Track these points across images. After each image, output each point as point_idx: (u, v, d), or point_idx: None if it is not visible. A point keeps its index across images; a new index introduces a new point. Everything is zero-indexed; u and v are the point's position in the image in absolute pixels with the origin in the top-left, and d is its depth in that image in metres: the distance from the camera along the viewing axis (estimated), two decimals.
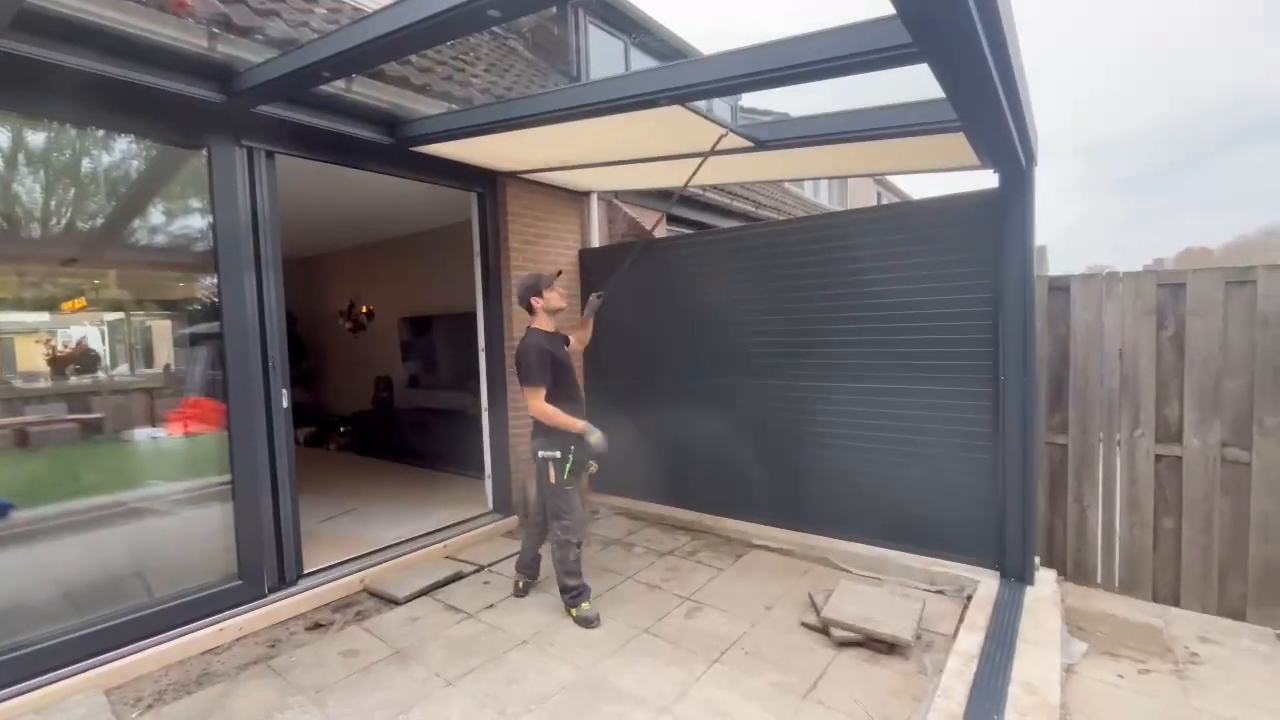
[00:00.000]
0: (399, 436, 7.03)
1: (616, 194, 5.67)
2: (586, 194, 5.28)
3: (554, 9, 6.68)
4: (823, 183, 13.41)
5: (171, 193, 3.37)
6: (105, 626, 2.87)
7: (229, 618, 3.14)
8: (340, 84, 3.30)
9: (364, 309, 8.16)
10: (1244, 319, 3.09)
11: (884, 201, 15.12)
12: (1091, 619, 3.17)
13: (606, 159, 4.03)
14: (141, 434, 3.97)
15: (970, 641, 2.77)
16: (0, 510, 3.46)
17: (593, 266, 5.26)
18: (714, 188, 6.47)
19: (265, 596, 3.32)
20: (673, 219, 6.54)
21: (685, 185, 4.28)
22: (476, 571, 3.85)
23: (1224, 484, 3.17)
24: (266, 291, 3.36)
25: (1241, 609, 3.14)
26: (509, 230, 4.66)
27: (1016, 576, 3.32)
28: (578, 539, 3.20)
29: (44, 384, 6.01)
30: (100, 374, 5.43)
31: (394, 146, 3.74)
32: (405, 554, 3.99)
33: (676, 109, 2.78)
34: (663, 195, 6.20)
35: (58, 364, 7.56)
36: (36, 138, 3.01)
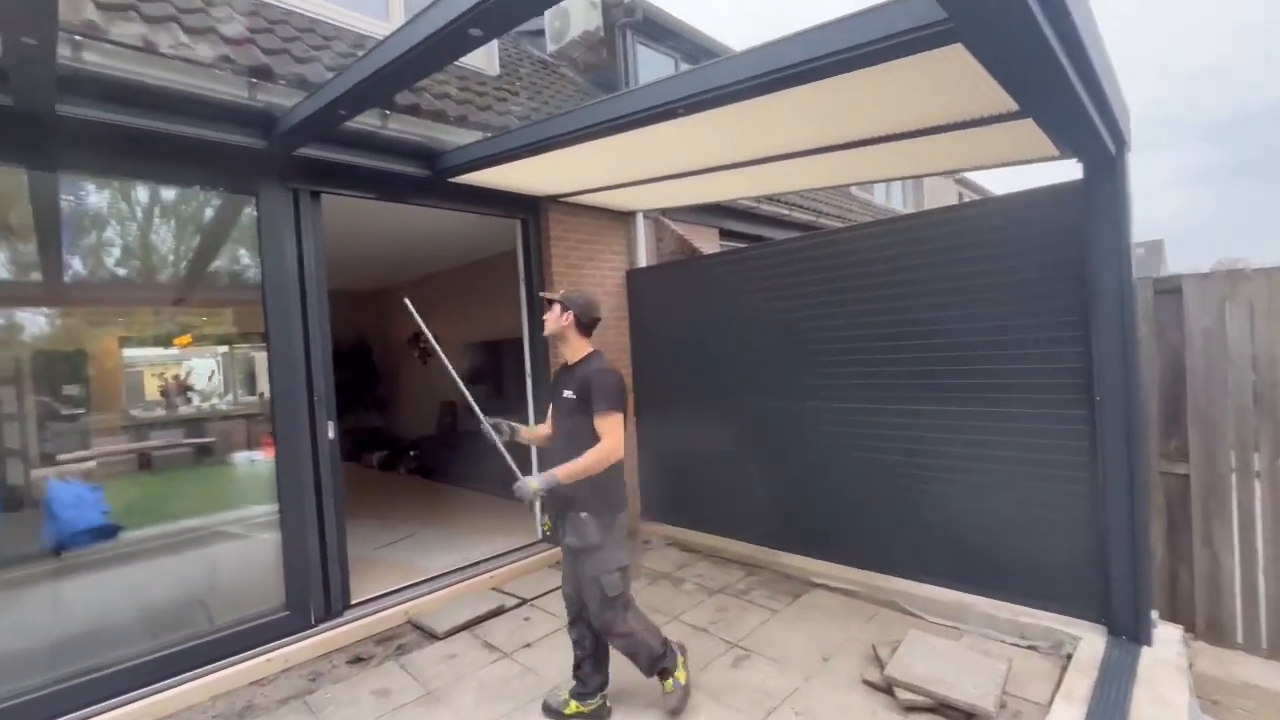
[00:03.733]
0: (461, 460, 7.15)
1: (664, 212, 5.53)
2: (631, 214, 5.18)
3: (601, 33, 6.71)
4: (895, 185, 12.69)
5: (244, 236, 3.56)
6: (170, 653, 2.99)
7: (277, 648, 3.20)
8: (375, 121, 3.38)
9: (415, 337, 8.44)
10: None
11: (966, 201, 14.10)
12: (1231, 690, 2.61)
13: (649, 175, 3.89)
14: (241, 456, 4.21)
15: (1069, 716, 2.33)
16: (110, 532, 3.76)
17: (641, 286, 5.12)
18: (768, 198, 6.19)
19: (312, 627, 3.36)
20: (726, 234, 6.31)
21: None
22: (519, 605, 3.75)
23: None
24: (312, 325, 3.46)
25: None
26: (552, 254, 4.62)
27: (1128, 634, 2.80)
28: (628, 592, 2.56)
29: (160, 412, 6.81)
30: (207, 403, 6.05)
31: (432, 178, 3.79)
32: (452, 584, 3.96)
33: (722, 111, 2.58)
34: (714, 210, 6.00)
35: (170, 394, 8.32)
36: (132, 194, 3.30)
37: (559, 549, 4.53)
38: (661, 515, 5.03)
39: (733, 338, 4.42)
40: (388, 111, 3.43)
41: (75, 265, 3.50)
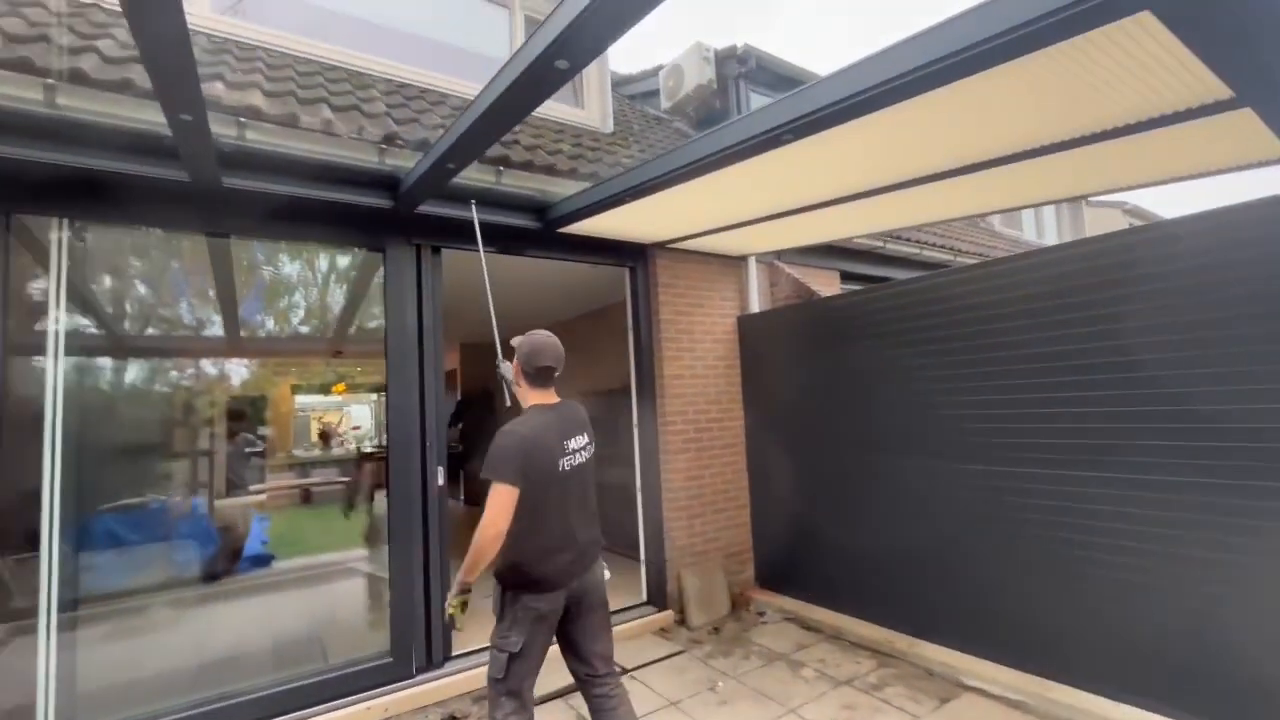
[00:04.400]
0: None
1: (779, 255, 5.27)
2: (743, 258, 4.97)
3: (714, 85, 6.76)
4: (1047, 219, 11.33)
5: (378, 292, 3.85)
6: (288, 688, 3.08)
7: (376, 696, 3.19)
8: (490, 177, 3.54)
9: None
10: None
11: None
12: None
13: (759, 214, 3.68)
14: (381, 495, 4.50)
15: None
16: (265, 560, 4.10)
17: (753, 332, 4.84)
18: (892, 235, 5.69)
19: (413, 677, 3.33)
20: (848, 277, 5.88)
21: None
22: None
23: None
24: (427, 374, 3.58)
25: None
26: (660, 302, 4.52)
27: None
28: None
29: (317, 453, 7.67)
30: (356, 445, 6.73)
31: (543, 230, 3.87)
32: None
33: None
34: (834, 252, 5.62)
35: (329, 436, 9.17)
36: (289, 255, 3.74)
37: (662, 614, 4.23)
38: (778, 584, 4.55)
39: (860, 386, 3.96)
40: (501, 168, 3.58)
41: (250, 320, 3.99)
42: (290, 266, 3.97)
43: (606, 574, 2.44)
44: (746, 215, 3.73)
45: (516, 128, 3.86)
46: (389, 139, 3.20)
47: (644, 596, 4.43)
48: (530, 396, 2.34)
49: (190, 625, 3.40)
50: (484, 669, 3.42)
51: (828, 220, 3.77)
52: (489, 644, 2.27)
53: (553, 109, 5.08)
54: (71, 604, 2.79)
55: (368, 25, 4.40)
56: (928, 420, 3.54)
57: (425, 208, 3.38)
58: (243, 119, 2.81)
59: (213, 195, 2.89)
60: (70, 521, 2.77)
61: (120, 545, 3.32)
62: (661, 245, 4.49)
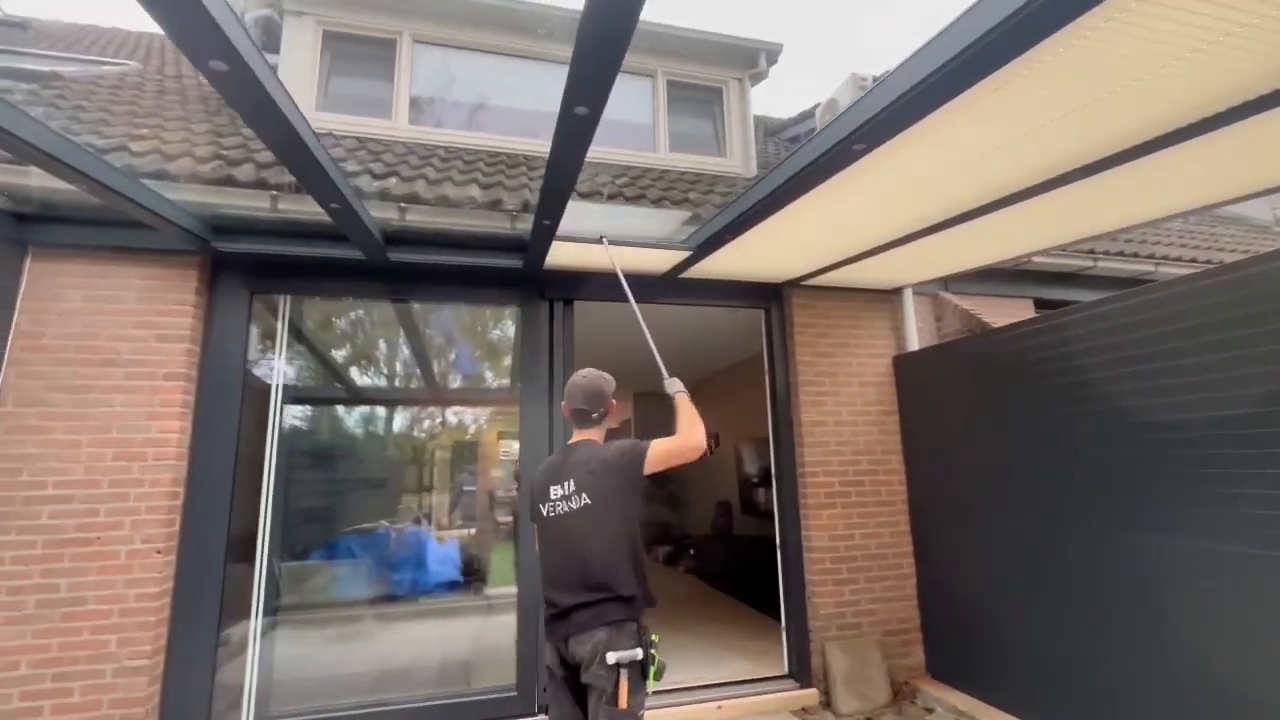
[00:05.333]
0: (728, 565, 6.81)
1: (945, 283, 4.61)
2: (897, 291, 4.45)
3: None
4: None
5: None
6: (435, 704, 3.38)
7: None
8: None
9: (713, 435, 8.59)
10: None
11: None
12: None
13: (910, 228, 3.13)
14: None
15: None
16: (457, 586, 4.66)
17: (913, 374, 4.25)
18: (1091, 249, 4.59)
19: (534, 715, 3.41)
20: (1044, 305, 4.88)
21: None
22: None
23: None
24: (555, 421, 3.79)
25: None
26: (796, 343, 4.24)
27: None
28: None
29: (514, 492, 8.67)
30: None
31: (668, 276, 3.93)
32: (678, 704, 3.60)
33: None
34: (1021, 277, 4.75)
35: (518, 477, 10.11)
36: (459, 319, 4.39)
37: (804, 692, 3.76)
38: (953, 674, 3.77)
39: (1059, 438, 3.16)
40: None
41: (463, 371, 4.73)
42: (472, 322, 4.61)
43: (611, 658, 1.94)
44: (890, 234, 3.25)
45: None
46: (524, 206, 3.56)
47: (785, 668, 4.00)
48: (573, 435, 2.36)
49: (382, 636, 3.94)
50: None
51: (1005, 229, 3.15)
52: None
53: (698, 160, 5.25)
54: (295, 608, 3.47)
55: (522, 112, 5.04)
56: (1169, 485, 2.69)
57: (555, 263, 3.66)
58: (403, 204, 3.38)
59: (385, 268, 3.50)
60: (280, 539, 3.44)
61: (354, 559, 4.06)
62: (796, 283, 4.24)
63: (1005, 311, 4.63)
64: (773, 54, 5.62)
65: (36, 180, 2.79)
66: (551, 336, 3.90)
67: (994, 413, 3.55)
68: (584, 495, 2.11)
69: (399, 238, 3.45)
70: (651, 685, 2.01)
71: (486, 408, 5.40)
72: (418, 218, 3.42)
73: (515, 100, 5.09)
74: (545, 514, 2.18)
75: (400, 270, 3.58)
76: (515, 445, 6.00)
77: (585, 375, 2.33)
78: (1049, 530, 3.16)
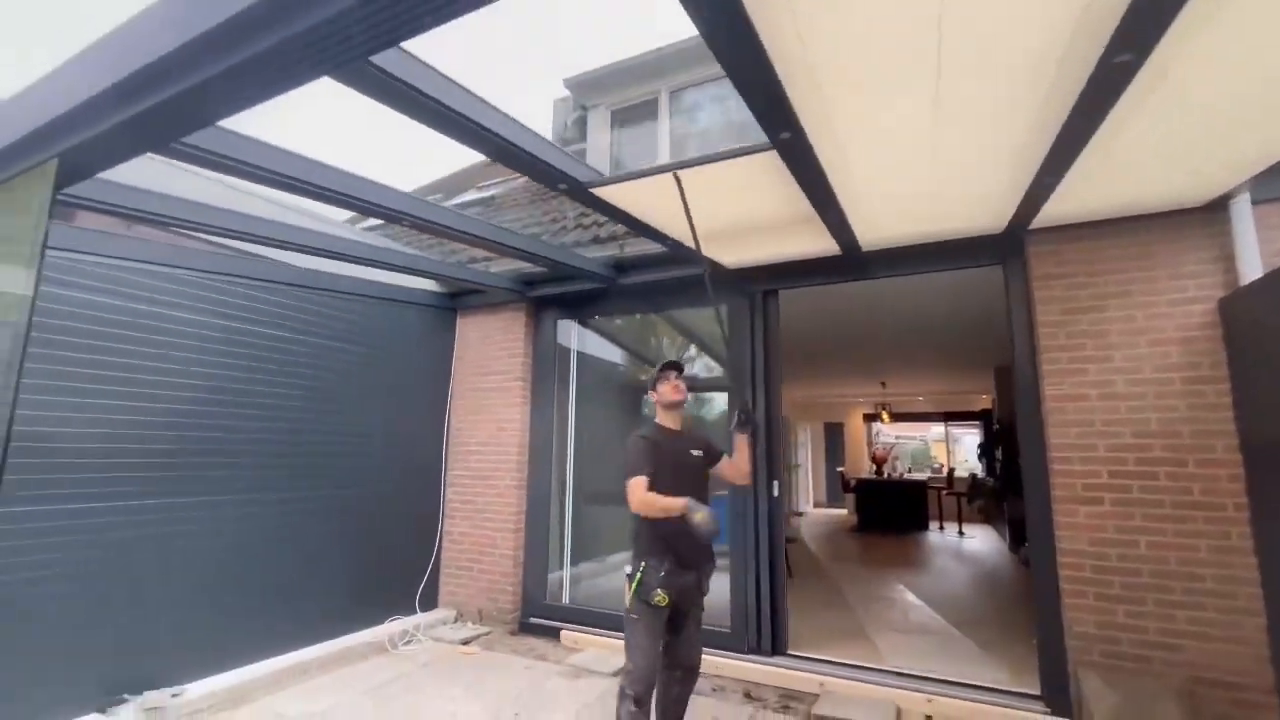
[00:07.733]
0: None
1: None
2: (1218, 203, 3.07)
3: None
4: None
5: None
6: None
7: (717, 655, 4.00)
8: None
9: None
10: None
11: None
12: None
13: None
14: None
15: None
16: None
17: (1258, 321, 2.90)
18: None
19: (743, 654, 3.97)
20: None
21: None
22: None
23: None
24: (772, 403, 4.24)
25: None
26: (1037, 301, 3.46)
27: None
28: (634, 690, 2.52)
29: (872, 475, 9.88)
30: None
31: (844, 255, 3.88)
32: (877, 684, 3.57)
33: None
34: None
35: (878, 460, 10.93)
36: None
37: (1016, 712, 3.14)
38: None
39: None
40: None
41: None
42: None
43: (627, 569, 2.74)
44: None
45: None
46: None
47: (1038, 689, 3.36)
48: (667, 418, 2.96)
49: None
50: (804, 674, 3.70)
51: None
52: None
53: None
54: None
55: None
56: None
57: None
58: (622, 242, 4.48)
59: (605, 291, 4.70)
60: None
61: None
62: (1046, 228, 3.44)
63: None
64: None
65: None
66: (753, 328, 4.34)
67: None
68: None
69: (621, 265, 4.58)
70: (629, 597, 2.65)
71: None
72: (632, 251, 4.47)
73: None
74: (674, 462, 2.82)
75: (626, 291, 4.71)
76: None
77: None
78: None
